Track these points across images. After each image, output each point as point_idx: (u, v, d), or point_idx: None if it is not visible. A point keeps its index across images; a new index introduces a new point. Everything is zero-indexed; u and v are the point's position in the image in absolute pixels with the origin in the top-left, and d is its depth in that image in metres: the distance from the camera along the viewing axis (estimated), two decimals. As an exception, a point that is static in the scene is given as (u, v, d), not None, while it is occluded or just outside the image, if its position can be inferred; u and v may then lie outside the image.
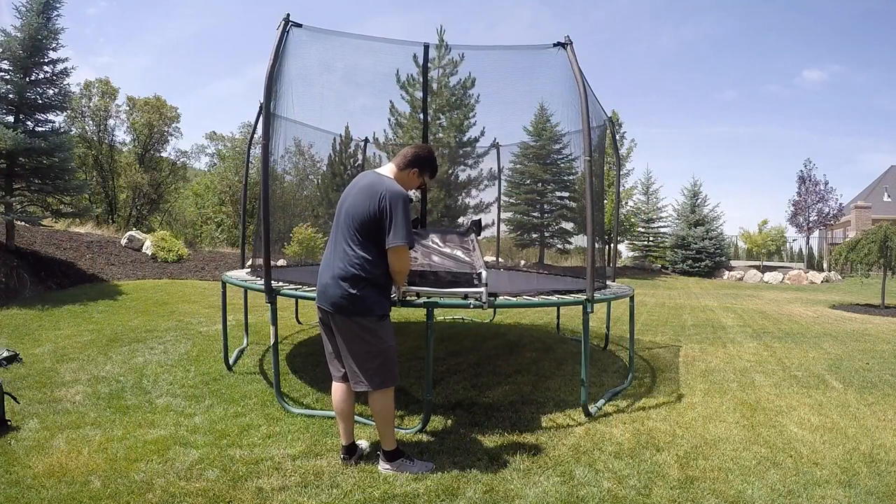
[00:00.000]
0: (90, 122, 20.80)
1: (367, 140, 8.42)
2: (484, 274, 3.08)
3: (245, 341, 5.30)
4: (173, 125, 22.50)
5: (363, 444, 2.84)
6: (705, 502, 2.43)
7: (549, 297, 3.73)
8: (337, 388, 2.75)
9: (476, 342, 5.84)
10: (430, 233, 3.66)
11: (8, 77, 8.14)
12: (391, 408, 2.67)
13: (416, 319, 6.98)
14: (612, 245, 8.01)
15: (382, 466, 2.66)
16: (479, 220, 4.04)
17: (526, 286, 5.05)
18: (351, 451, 2.72)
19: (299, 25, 3.74)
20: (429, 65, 5.57)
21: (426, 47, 5.15)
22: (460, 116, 15.51)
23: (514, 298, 3.52)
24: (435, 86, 14.57)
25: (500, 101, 5.97)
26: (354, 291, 2.54)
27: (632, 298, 4.64)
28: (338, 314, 2.60)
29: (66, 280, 8.13)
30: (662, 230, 24.75)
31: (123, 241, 11.07)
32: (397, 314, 6.75)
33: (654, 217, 24.74)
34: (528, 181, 20.03)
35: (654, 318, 8.60)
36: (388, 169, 2.77)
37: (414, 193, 3.41)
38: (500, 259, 9.88)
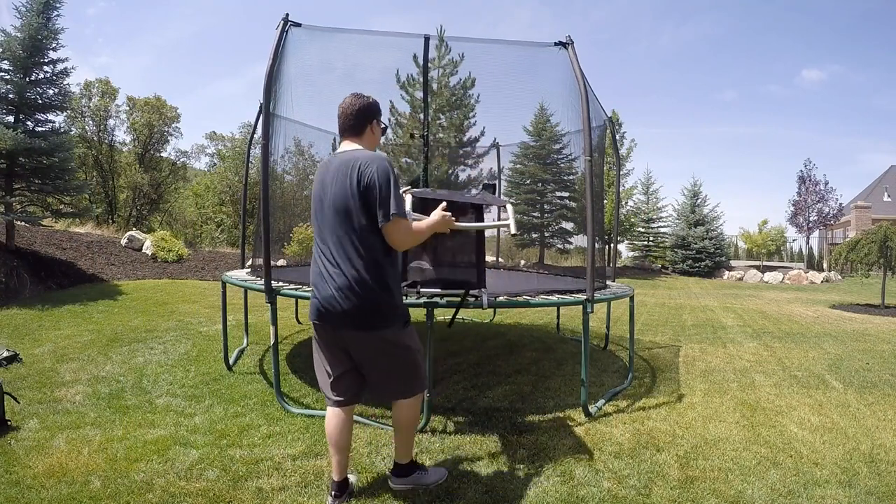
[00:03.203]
0: (90, 122, 20.79)
1: (366, 140, 8.39)
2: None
3: (245, 341, 5.30)
4: (173, 125, 22.51)
5: (353, 478, 2.47)
6: (705, 502, 2.43)
7: (549, 297, 3.73)
8: (334, 414, 2.32)
9: (476, 342, 5.84)
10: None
11: (8, 77, 8.14)
12: (417, 416, 2.44)
13: (416, 319, 6.96)
14: (612, 245, 8.01)
15: (395, 483, 2.40)
16: (494, 184, 3.94)
17: (526, 286, 5.05)
18: (343, 488, 2.32)
19: (298, 25, 3.74)
20: (429, 64, 5.55)
21: (426, 39, 5.06)
22: (460, 116, 15.49)
23: (514, 298, 3.52)
24: (435, 86, 14.55)
25: (500, 100, 5.95)
26: (373, 300, 2.17)
27: (632, 298, 4.64)
28: (355, 330, 2.20)
29: (66, 280, 8.13)
30: (662, 230, 24.77)
31: (123, 241, 11.07)
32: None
33: (654, 217, 24.75)
34: (528, 181, 20.03)
35: (654, 318, 8.59)
36: (347, 144, 2.35)
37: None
38: (500, 259, 9.88)
